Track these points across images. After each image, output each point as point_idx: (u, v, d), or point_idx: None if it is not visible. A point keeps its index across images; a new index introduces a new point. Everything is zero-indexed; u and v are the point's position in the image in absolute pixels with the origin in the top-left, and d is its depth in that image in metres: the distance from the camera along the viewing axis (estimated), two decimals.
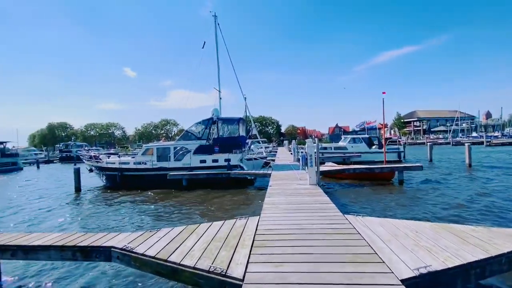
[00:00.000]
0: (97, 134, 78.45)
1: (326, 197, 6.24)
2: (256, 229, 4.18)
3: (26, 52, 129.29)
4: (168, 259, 3.32)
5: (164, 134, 73.11)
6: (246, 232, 4.11)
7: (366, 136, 23.25)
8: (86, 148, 30.64)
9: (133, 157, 15.43)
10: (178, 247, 3.68)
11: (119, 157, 16.45)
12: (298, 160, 15.21)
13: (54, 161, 42.31)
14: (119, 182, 14.20)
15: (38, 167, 32.53)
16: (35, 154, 42.60)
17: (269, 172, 11.68)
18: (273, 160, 16.18)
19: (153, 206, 9.64)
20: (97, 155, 17.34)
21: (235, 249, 3.50)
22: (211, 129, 14.54)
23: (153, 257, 3.43)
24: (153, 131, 78.31)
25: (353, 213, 4.99)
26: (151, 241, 3.96)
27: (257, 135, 24.17)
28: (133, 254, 3.61)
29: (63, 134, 75.91)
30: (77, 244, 3.96)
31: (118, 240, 4.04)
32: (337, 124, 78.29)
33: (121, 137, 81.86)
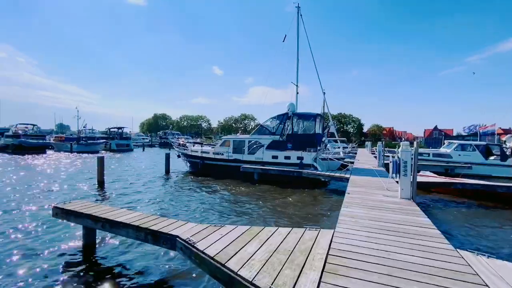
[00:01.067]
0: (189, 125, 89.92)
1: (427, 218, 4.82)
2: (329, 248, 3.43)
3: (141, 55, 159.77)
4: (225, 264, 3.00)
5: (242, 128, 77.51)
6: (317, 248, 3.42)
7: (482, 143, 18.23)
8: (177, 136, 35.30)
9: (212, 147, 16.53)
10: (238, 251, 3.33)
11: (201, 146, 17.98)
12: (384, 165, 13.10)
13: (155, 145, 50.68)
14: (200, 169, 15.49)
15: (143, 149, 39.55)
16: (143, 138, 51.94)
17: (346, 176, 10.38)
18: (352, 163, 14.49)
19: (224, 196, 9.93)
20: (184, 143, 19.44)
21: (302, 269, 2.88)
22: (286, 125, 14.06)
23: (212, 258, 3.17)
24: (233, 125, 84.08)
25: (472, 249, 3.59)
26: (213, 237, 3.75)
27: (335, 134, 22.33)
28: (194, 249, 3.46)
29: (164, 123, 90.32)
30: (149, 227, 4.12)
31: (183, 230, 4.01)
32: (436, 126, 65.67)
33: (207, 128, 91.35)
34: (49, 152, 30.71)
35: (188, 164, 17.18)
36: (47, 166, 18.46)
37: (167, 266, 4.51)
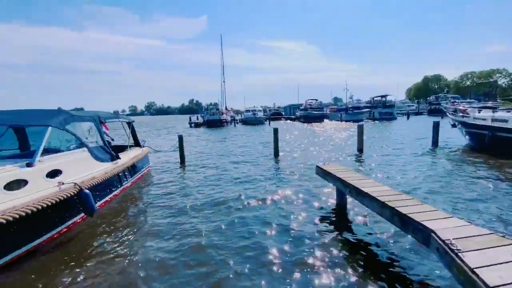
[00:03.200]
0: (474, 84, 67.59)
1: None
2: None
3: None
4: None
5: None
6: None
7: None
8: (453, 100, 27.74)
9: None
10: None
11: (493, 112, 12.66)
12: None
13: (423, 113, 44.43)
14: (488, 144, 11.14)
15: (407, 117, 36.32)
16: (408, 106, 47.66)
17: None
18: None
19: None
20: (465, 108, 14.82)
21: None
22: None
23: None
24: None
25: None
26: (496, 255, 2.38)
27: None
28: (457, 260, 2.41)
29: (436, 86, 75.84)
30: (396, 207, 3.54)
31: (443, 226, 2.97)
32: None
33: (507, 86, 62.93)
34: (325, 120, 38.51)
35: (467, 137, 13.09)
36: (322, 131, 23.26)
37: (417, 258, 3.71)
